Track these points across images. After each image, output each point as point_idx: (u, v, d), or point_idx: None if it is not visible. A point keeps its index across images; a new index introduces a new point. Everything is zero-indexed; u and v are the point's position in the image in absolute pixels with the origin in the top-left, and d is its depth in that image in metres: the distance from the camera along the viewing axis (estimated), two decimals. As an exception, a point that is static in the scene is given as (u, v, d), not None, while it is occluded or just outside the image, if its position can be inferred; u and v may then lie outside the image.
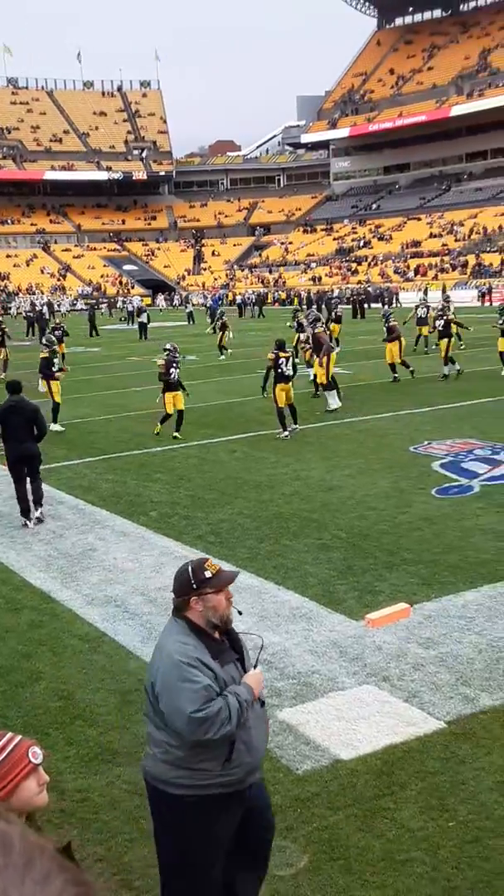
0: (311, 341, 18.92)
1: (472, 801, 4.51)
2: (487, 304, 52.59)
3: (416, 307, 29.04)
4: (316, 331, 18.61)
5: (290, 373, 15.12)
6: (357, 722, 5.36)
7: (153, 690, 3.34)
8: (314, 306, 34.89)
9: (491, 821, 4.34)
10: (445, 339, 21.10)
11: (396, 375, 20.90)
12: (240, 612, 3.53)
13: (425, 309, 28.20)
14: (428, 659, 6.21)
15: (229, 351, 29.31)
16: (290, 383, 15.21)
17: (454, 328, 22.17)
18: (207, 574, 3.37)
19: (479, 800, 4.52)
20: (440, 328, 22.06)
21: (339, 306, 33.00)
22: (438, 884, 3.91)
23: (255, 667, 3.49)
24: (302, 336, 21.52)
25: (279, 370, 15.03)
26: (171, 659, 3.29)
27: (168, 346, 15.96)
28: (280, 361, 15.04)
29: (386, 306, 48.18)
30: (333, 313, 30.27)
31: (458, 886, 3.89)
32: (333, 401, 17.25)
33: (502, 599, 7.17)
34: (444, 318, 22.30)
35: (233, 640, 3.51)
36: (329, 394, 17.32)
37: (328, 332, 20.92)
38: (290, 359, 15.22)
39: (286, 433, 14.86)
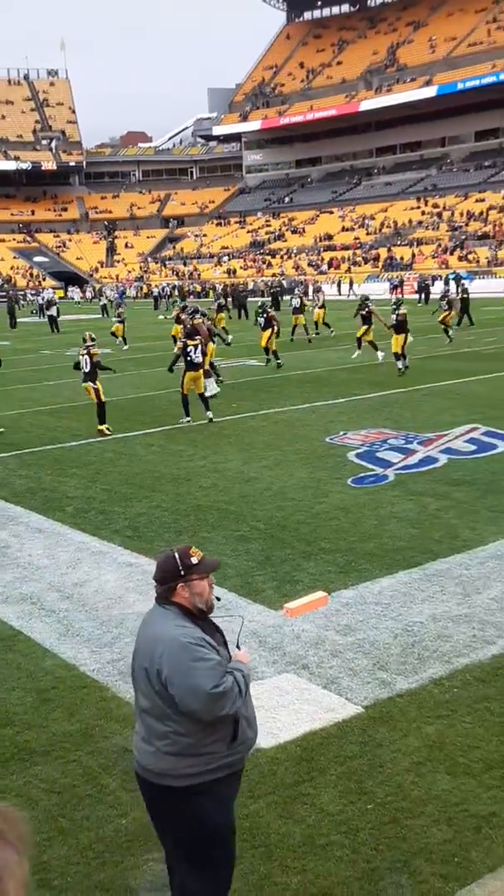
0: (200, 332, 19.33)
1: (389, 783, 4.60)
2: (399, 296, 53.56)
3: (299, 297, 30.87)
4: (195, 322, 18.99)
5: (199, 360, 15.34)
6: (277, 710, 5.39)
7: (159, 678, 3.25)
8: (221, 298, 35.13)
9: (408, 801, 4.43)
10: (403, 335, 20.10)
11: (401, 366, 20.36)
12: (217, 599, 3.51)
13: (298, 299, 30.31)
14: (346, 645, 6.29)
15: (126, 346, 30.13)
16: (200, 371, 15.38)
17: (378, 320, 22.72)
18: (194, 560, 3.39)
19: (395, 781, 4.61)
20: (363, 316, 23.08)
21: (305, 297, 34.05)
22: (358, 866, 3.97)
23: (237, 646, 3.50)
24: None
25: (188, 358, 15.23)
26: (178, 642, 3.26)
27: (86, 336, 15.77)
28: (188, 349, 15.24)
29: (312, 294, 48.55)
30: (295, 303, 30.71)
31: (377, 867, 3.96)
32: (211, 387, 17.36)
33: (417, 585, 7.32)
34: (367, 308, 23.08)
35: (214, 624, 3.53)
36: (208, 381, 17.55)
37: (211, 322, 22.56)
38: (199, 346, 15.41)
39: (188, 419, 15.24)
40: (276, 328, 23.01)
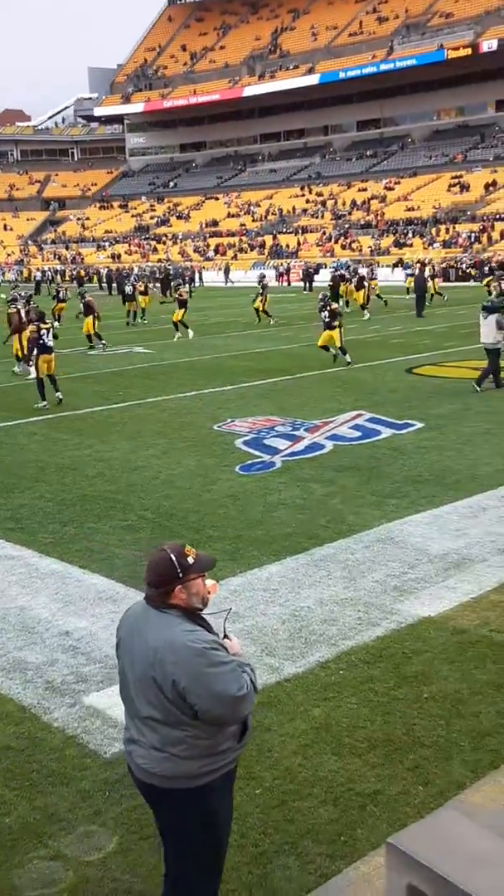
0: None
1: (277, 767, 4.66)
2: (285, 283, 54.08)
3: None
4: (10, 311, 19.33)
5: (51, 343, 15.73)
6: (166, 700, 5.38)
7: (175, 688, 3.07)
8: (78, 285, 34.85)
9: (295, 784, 4.51)
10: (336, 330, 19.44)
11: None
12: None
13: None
14: (234, 633, 6.31)
15: None
16: (52, 354, 15.76)
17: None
18: (190, 560, 3.23)
19: (283, 765, 4.68)
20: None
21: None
22: (246, 850, 4.02)
23: (225, 636, 3.36)
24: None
25: (41, 341, 15.45)
26: (191, 649, 3.08)
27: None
28: (42, 333, 15.48)
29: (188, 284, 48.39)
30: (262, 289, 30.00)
31: (266, 850, 4.02)
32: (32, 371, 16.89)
33: (304, 570, 7.43)
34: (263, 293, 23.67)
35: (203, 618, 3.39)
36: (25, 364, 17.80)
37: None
38: (51, 330, 15.84)
39: (44, 403, 15.52)
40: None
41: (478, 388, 15.29)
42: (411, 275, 38.07)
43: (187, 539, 8.28)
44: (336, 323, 19.34)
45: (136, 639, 3.24)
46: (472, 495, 9.34)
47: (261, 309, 29.62)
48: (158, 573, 3.21)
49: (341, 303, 29.44)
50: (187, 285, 48.19)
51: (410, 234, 60.61)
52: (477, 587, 6.93)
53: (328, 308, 19.55)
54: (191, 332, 26.34)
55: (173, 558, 3.20)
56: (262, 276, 25.32)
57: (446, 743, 4.80)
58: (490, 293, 22.05)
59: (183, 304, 26.65)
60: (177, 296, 27.50)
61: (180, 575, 3.19)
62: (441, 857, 1.08)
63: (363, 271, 36.16)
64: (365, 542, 8.10)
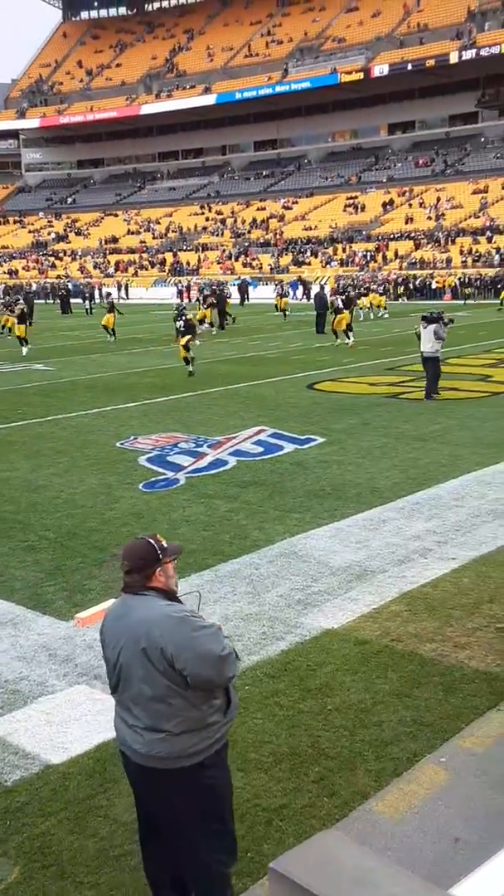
0: None
1: (184, 786, 4.62)
2: (186, 300, 54.14)
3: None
4: None
5: None
6: (68, 724, 5.28)
7: (163, 656, 3.23)
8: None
9: (202, 801, 4.48)
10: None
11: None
12: None
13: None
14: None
15: None
16: None
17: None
18: (164, 544, 3.46)
19: (190, 783, 4.64)
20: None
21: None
22: (154, 873, 3.96)
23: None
24: None
25: None
26: (174, 617, 3.28)
27: None
28: None
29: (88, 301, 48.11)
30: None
31: (173, 871, 3.97)
32: None
33: (209, 587, 7.42)
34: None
35: None
36: None
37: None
38: None
39: None
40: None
41: (434, 397, 15.84)
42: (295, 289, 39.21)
43: (90, 559, 8.19)
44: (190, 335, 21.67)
45: (121, 622, 3.40)
46: (371, 508, 9.52)
47: (207, 318, 32.11)
48: (140, 556, 3.40)
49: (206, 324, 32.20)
50: (87, 302, 47.88)
51: (309, 253, 61.67)
52: (378, 598, 7.06)
53: (184, 318, 21.82)
54: (25, 350, 27.54)
55: (153, 542, 3.43)
56: (205, 288, 27.38)
57: (350, 753, 4.86)
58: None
59: (21, 318, 28.47)
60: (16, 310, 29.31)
61: (160, 557, 3.41)
62: (322, 879, 1.10)
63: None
64: (269, 556, 8.15)
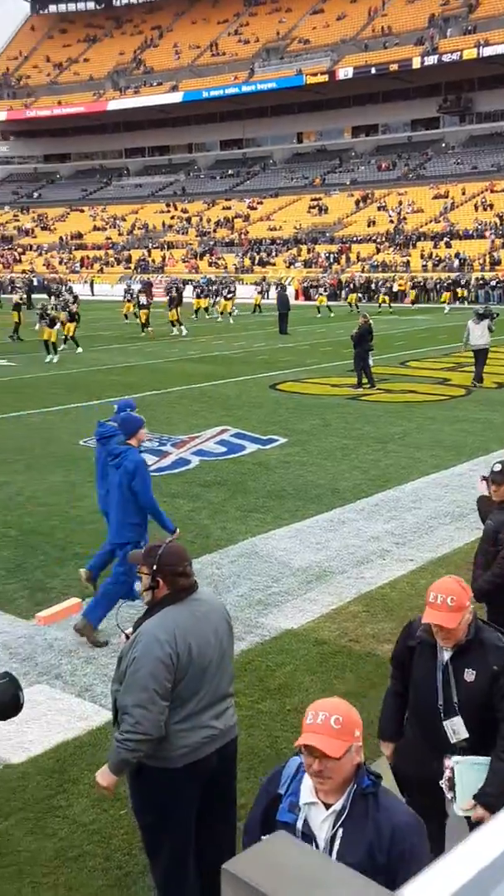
0: None
1: (143, 785, 4.64)
2: (154, 298, 53.91)
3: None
4: None
5: None
6: (28, 723, 5.27)
7: (230, 630, 3.64)
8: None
9: (161, 801, 4.51)
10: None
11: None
12: None
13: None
14: (100, 651, 6.28)
15: None
16: None
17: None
18: None
19: (149, 782, 4.67)
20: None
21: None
22: (111, 873, 3.99)
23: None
24: None
25: None
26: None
27: None
28: None
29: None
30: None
31: (131, 872, 4.00)
32: None
33: (169, 586, 7.43)
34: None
35: None
36: None
37: None
38: None
39: None
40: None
41: (478, 385, 17.57)
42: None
43: (52, 557, 8.17)
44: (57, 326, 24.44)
45: (206, 619, 3.49)
46: (332, 509, 9.61)
47: (175, 319, 31.62)
48: (188, 559, 3.59)
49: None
50: (51, 298, 47.42)
51: (274, 253, 61.75)
52: (337, 599, 7.14)
53: (47, 315, 24.96)
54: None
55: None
56: (172, 285, 27.25)
57: (308, 752, 4.91)
58: (350, 306, 24.07)
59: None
60: None
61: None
62: (274, 880, 1.14)
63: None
64: (230, 556, 8.19)
